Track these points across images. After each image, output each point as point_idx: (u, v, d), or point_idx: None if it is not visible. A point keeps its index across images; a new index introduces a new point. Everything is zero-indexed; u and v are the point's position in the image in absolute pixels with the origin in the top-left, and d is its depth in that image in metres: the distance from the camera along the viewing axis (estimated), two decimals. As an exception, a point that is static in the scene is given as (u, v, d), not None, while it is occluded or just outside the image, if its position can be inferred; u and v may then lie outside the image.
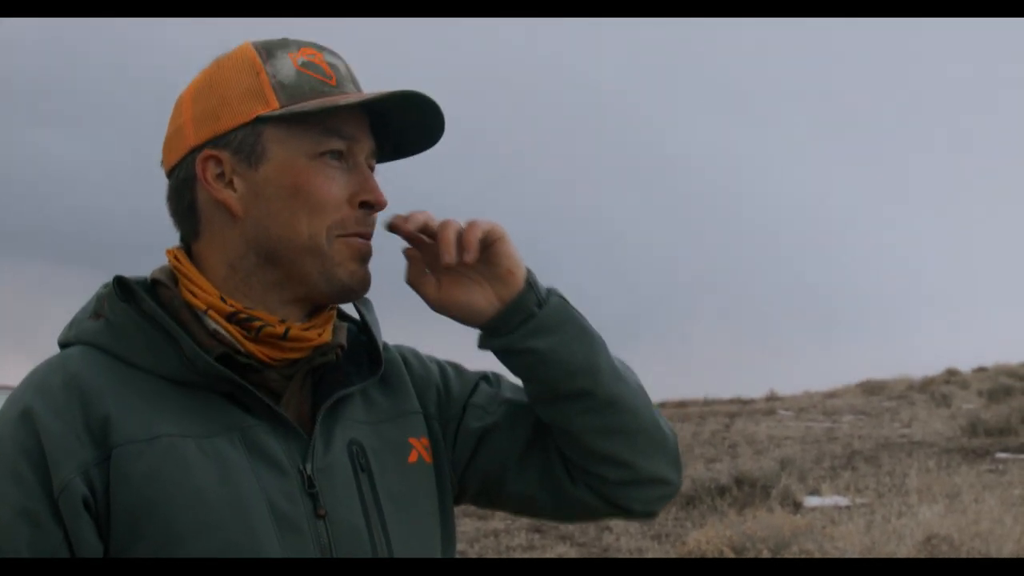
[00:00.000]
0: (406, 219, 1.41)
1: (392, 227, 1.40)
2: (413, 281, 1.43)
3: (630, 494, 1.51)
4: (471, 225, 1.39)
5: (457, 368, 1.61)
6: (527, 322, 1.41)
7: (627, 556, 8.72)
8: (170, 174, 1.39)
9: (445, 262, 1.37)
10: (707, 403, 22.93)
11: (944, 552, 7.53)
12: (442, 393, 1.54)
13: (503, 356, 1.44)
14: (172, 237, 1.43)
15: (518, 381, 1.51)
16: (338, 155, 1.35)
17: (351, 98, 1.33)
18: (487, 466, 1.53)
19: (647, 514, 1.57)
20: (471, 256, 1.37)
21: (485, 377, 1.60)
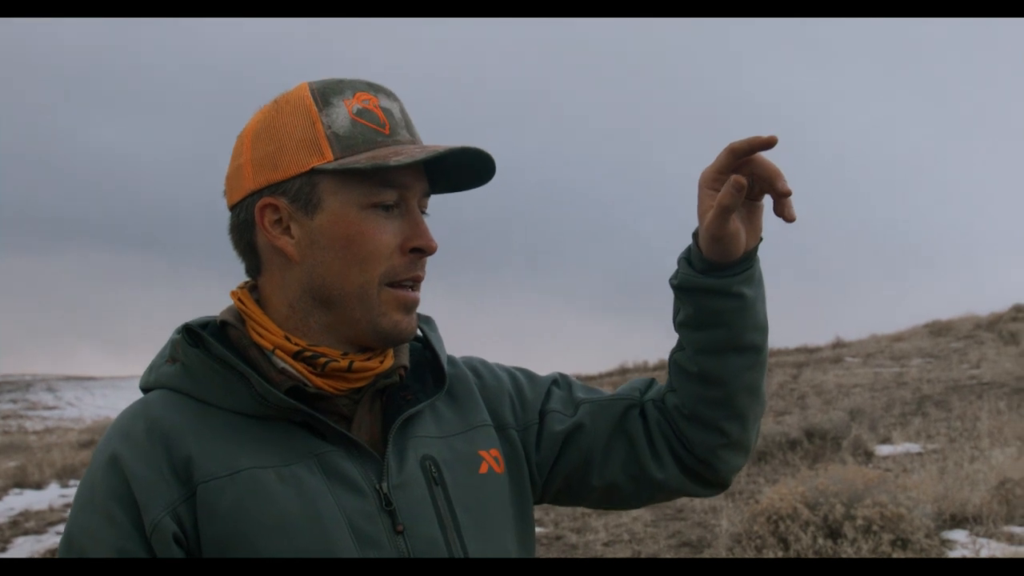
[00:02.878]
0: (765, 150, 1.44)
1: (761, 145, 1.43)
2: (730, 203, 1.42)
3: (728, 458, 1.60)
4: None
5: (528, 374, 1.68)
6: (748, 269, 1.50)
7: (702, 515, 8.76)
8: (231, 209, 1.46)
9: (780, 189, 1.42)
10: (773, 354, 22.71)
11: (1019, 496, 7.47)
12: (516, 401, 1.61)
13: (706, 295, 1.50)
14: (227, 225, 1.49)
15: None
16: (390, 205, 1.40)
17: (401, 157, 1.35)
18: (572, 463, 1.60)
19: (725, 484, 1.65)
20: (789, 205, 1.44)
21: (555, 381, 1.66)
